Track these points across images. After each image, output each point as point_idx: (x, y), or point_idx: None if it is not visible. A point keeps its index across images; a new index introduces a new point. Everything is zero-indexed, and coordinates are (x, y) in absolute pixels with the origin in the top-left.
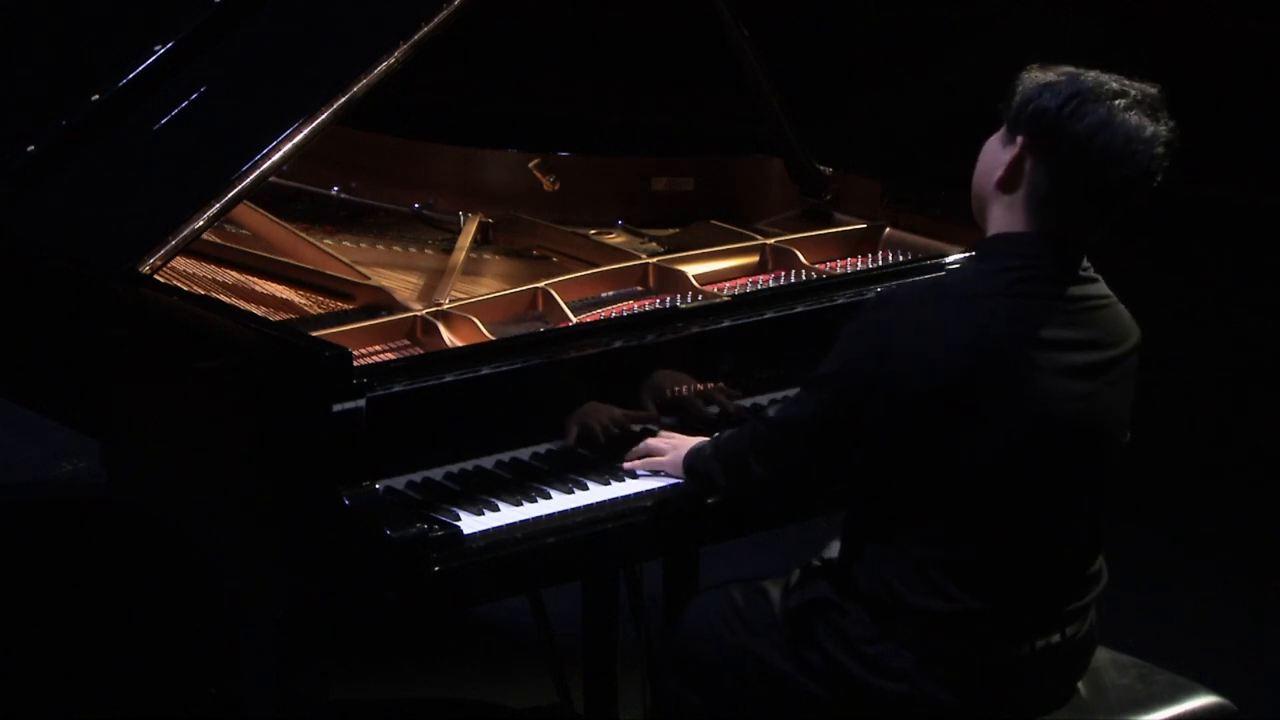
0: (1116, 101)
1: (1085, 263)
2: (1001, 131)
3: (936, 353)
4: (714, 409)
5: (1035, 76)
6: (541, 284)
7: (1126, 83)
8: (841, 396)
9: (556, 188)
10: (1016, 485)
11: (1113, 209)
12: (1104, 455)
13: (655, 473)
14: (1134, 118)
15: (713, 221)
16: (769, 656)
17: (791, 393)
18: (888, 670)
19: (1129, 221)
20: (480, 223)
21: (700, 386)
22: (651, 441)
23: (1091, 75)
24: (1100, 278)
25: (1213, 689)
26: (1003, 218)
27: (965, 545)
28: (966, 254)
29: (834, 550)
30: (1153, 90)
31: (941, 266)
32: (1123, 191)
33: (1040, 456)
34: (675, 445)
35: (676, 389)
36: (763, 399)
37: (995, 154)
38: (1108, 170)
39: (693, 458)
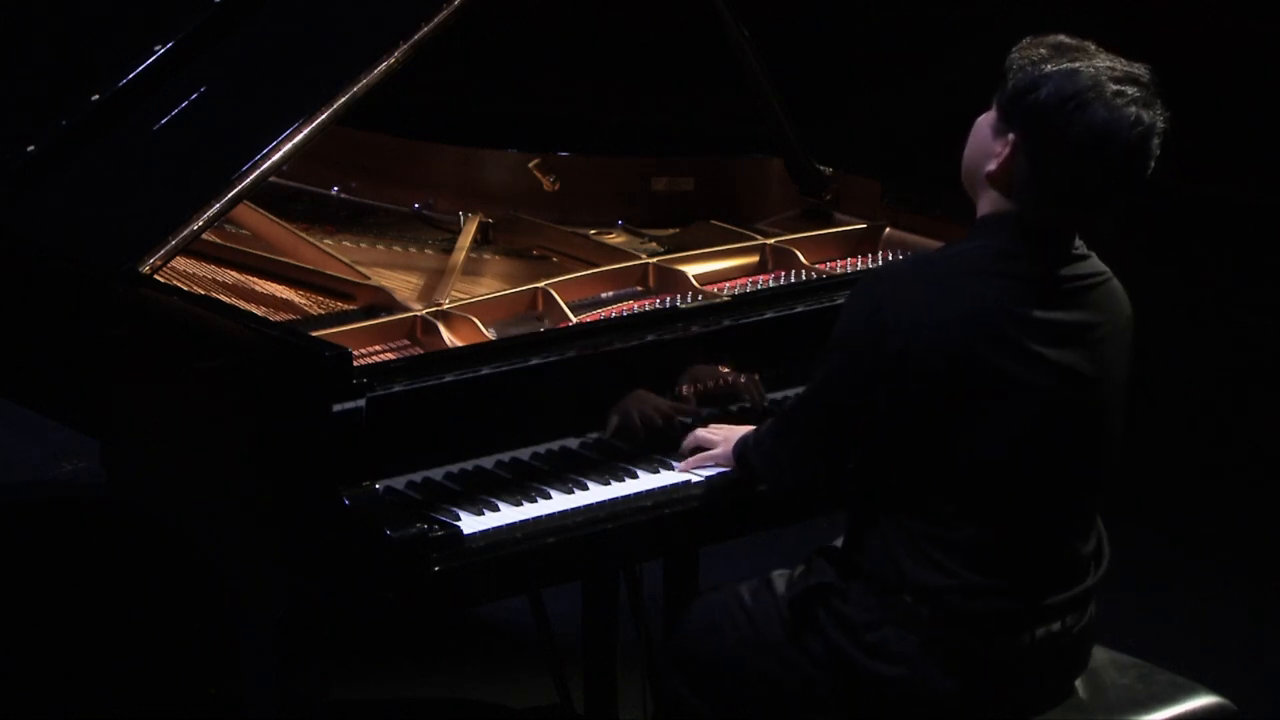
0: (1116, 100)
1: (1077, 241)
2: (994, 116)
3: (930, 331)
4: (744, 403)
5: (1029, 57)
6: (541, 284)
7: (1119, 69)
8: (844, 378)
9: (556, 188)
10: (1012, 462)
11: (1108, 203)
12: (1100, 432)
13: (701, 463)
14: (1132, 113)
15: (713, 221)
16: (771, 647)
17: (791, 392)
18: (889, 655)
19: (1128, 221)
20: (480, 223)
21: (709, 384)
22: (700, 433)
23: (1088, 66)
24: (1093, 254)
25: (1213, 689)
26: (994, 204)
27: (964, 522)
28: None
29: (839, 543)
30: (1145, 76)
31: None
32: (1119, 187)
33: (1035, 434)
34: (725, 436)
35: (697, 384)
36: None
37: (986, 141)
38: (1106, 170)
39: (740, 447)
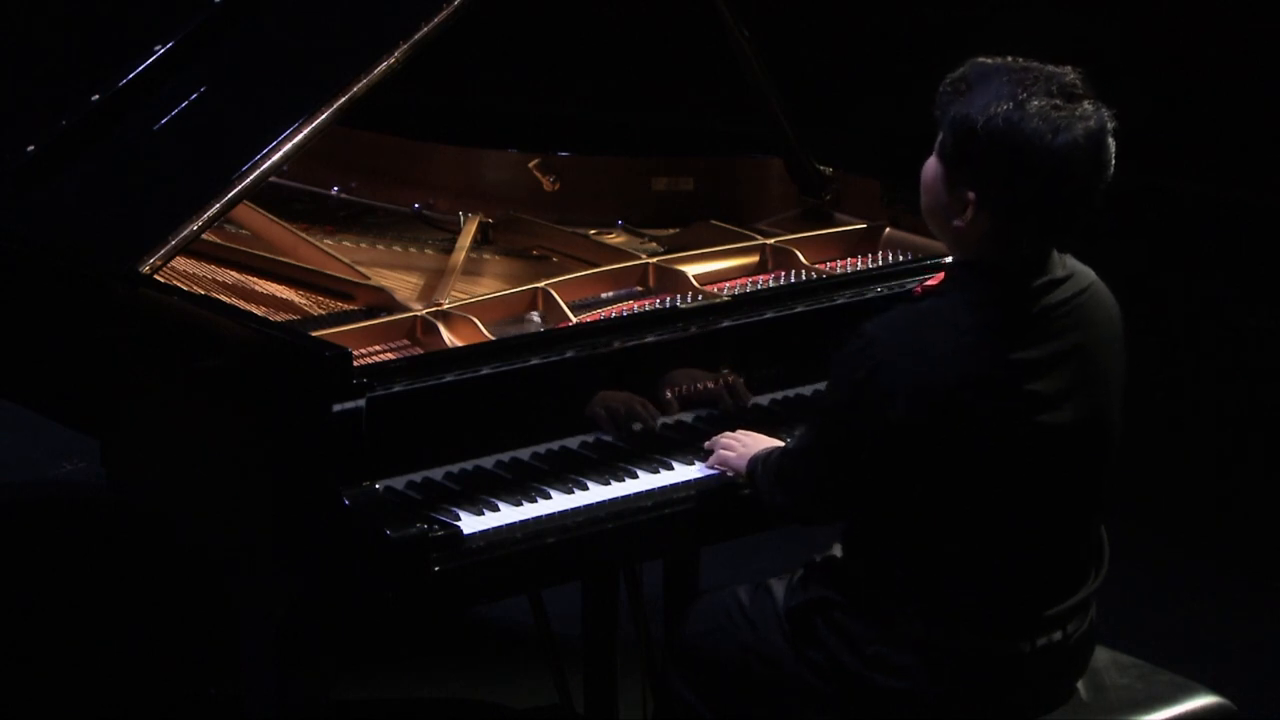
0: (1060, 123)
1: (1055, 257)
2: (941, 169)
3: (928, 394)
4: (720, 408)
5: (953, 98)
6: (541, 284)
7: (1053, 87)
8: (842, 441)
9: (556, 188)
10: (1014, 487)
11: (1080, 221)
12: (1099, 441)
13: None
14: (1081, 131)
15: (713, 221)
16: (772, 653)
17: (791, 392)
18: (889, 667)
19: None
20: (480, 223)
21: (710, 384)
22: (724, 438)
23: (1020, 99)
24: (1073, 269)
25: (1213, 689)
26: (967, 252)
27: (963, 540)
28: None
29: (837, 550)
30: (1077, 83)
31: (940, 266)
32: (1088, 204)
33: (1037, 461)
34: (746, 445)
35: (687, 386)
36: (763, 399)
37: (942, 196)
38: (1071, 197)
39: (753, 465)
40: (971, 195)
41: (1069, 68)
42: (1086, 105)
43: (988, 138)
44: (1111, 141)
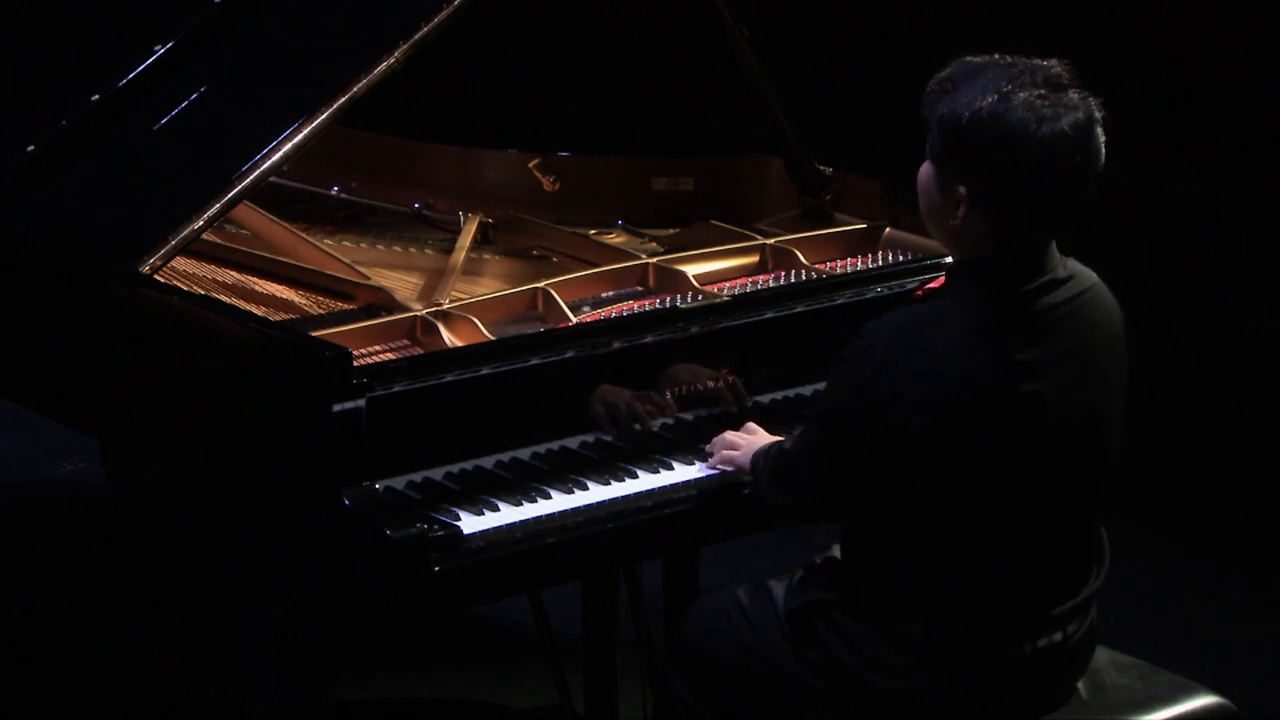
0: (1047, 116)
1: (1056, 257)
2: (934, 168)
3: (929, 397)
4: (720, 408)
5: (940, 97)
6: (541, 284)
7: (1038, 79)
8: (842, 442)
9: (556, 188)
10: (1014, 489)
11: (1074, 211)
12: (1100, 444)
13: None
14: (1070, 122)
15: (713, 221)
16: (772, 654)
17: (791, 392)
18: (889, 669)
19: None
20: (480, 223)
21: (710, 383)
22: (729, 435)
23: (1006, 93)
24: (1074, 270)
25: (1213, 689)
26: (966, 251)
27: (963, 541)
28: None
29: (836, 551)
30: (1064, 75)
31: (940, 267)
32: (1080, 195)
33: (1037, 463)
34: (750, 441)
35: (687, 385)
36: (764, 399)
37: (937, 198)
38: (1062, 188)
39: (755, 460)
40: (962, 190)
41: (1055, 60)
42: (1073, 95)
43: (973, 130)
44: (1100, 131)
